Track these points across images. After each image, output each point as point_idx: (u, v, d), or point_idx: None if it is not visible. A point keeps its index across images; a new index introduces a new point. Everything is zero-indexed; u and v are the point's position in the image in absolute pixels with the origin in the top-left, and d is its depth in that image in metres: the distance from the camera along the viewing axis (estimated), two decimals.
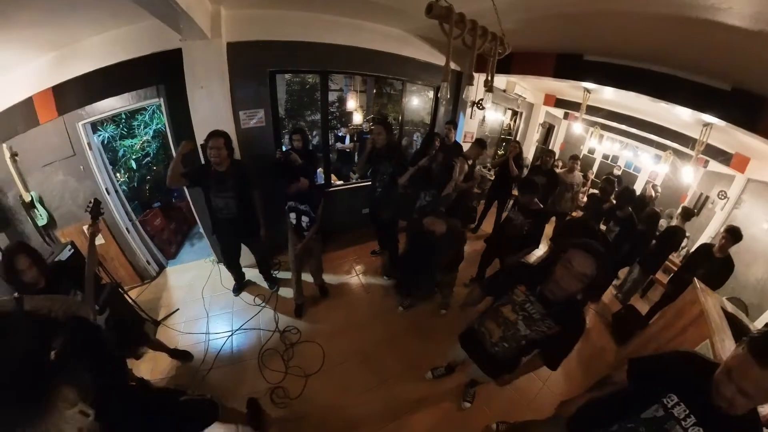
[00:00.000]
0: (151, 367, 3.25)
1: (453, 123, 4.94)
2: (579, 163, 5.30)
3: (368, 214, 4.11)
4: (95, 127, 4.02)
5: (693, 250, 4.40)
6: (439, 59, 4.90)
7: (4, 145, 3.61)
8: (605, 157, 8.02)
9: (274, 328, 3.62)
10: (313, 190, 3.40)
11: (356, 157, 6.37)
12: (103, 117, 3.86)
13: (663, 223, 5.30)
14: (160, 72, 3.49)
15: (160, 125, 4.74)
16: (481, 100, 2.46)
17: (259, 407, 2.74)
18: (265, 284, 4.24)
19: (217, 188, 3.21)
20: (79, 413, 1.20)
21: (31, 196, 3.78)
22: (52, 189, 3.90)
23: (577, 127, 7.11)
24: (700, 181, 6.16)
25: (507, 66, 4.70)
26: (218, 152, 3.01)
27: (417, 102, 6.31)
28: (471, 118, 5.45)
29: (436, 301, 3.99)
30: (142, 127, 4.80)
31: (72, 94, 3.53)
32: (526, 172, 5.95)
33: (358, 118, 6.54)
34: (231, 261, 3.93)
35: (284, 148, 4.36)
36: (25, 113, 3.60)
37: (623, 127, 6.40)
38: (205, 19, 3.03)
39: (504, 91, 6.61)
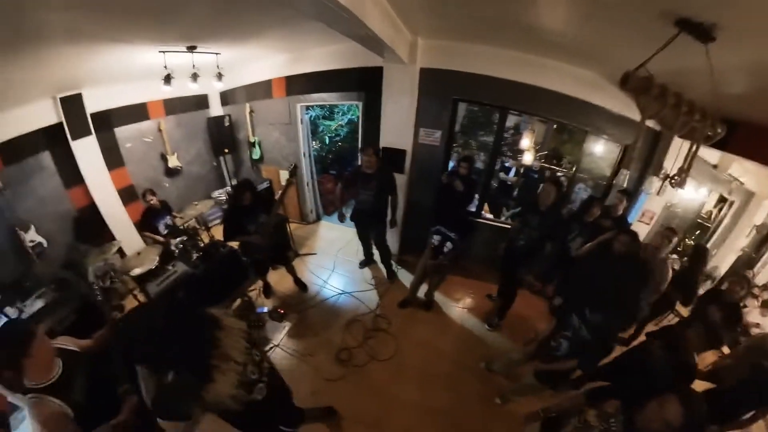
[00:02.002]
0: (277, 280, 4.52)
1: (627, 193, 4.02)
2: None
3: (502, 257, 3.81)
4: (307, 107, 5.48)
5: None
6: (635, 113, 3.97)
7: (247, 104, 5.64)
8: None
9: (373, 309, 4.16)
10: (467, 223, 3.68)
11: (515, 192, 6.23)
12: (314, 103, 5.37)
13: None
14: (363, 82, 4.46)
15: (353, 117, 6.06)
16: (677, 177, 2.09)
17: None
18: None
19: (362, 185, 3.96)
20: None
21: (254, 139, 5.79)
22: (269, 139, 5.75)
23: None
24: None
25: (724, 137, 3.70)
26: (369, 159, 3.78)
27: (600, 151, 5.45)
28: (658, 194, 4.27)
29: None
30: (340, 114, 6.30)
31: (297, 84, 5.08)
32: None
33: (528, 157, 5.92)
34: (362, 241, 4.72)
35: (451, 165, 4.74)
36: (264, 88, 5.42)
37: None
38: (404, 48, 3.66)
39: (714, 166, 5.08)
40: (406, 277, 4.66)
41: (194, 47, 3.86)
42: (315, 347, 3.66)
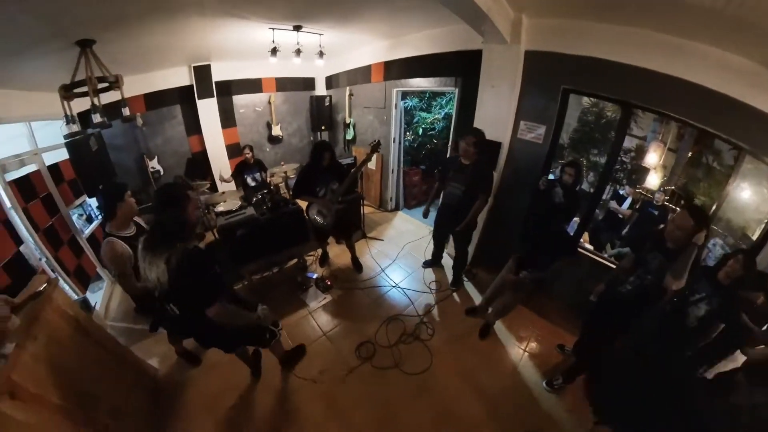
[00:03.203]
0: (337, 253, 4.62)
1: None
2: None
3: (595, 303, 2.85)
4: (405, 95, 5.45)
5: None
6: None
7: (348, 88, 6.11)
8: None
9: (420, 315, 3.70)
10: (564, 242, 2.96)
11: (625, 230, 5.01)
12: (412, 90, 5.30)
13: None
14: (460, 67, 4.16)
15: (451, 111, 5.70)
16: None
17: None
18: (449, 279, 4.30)
19: (453, 176, 3.53)
20: None
21: (350, 121, 6.22)
22: (363, 122, 6.14)
23: None
24: None
25: None
26: (467, 148, 3.31)
27: (748, 194, 3.65)
28: None
29: None
30: (438, 107, 6.08)
31: (395, 69, 5.17)
32: None
33: (653, 180, 4.79)
34: (436, 239, 4.33)
35: (551, 177, 4.05)
36: (364, 73, 5.75)
37: None
38: (506, 25, 3.24)
39: None
40: (471, 291, 4.12)
41: (300, 27, 4.11)
42: (344, 329, 3.48)
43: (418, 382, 2.97)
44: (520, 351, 3.38)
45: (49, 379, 1.81)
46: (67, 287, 3.40)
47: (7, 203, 3.03)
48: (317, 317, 3.60)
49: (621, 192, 5.19)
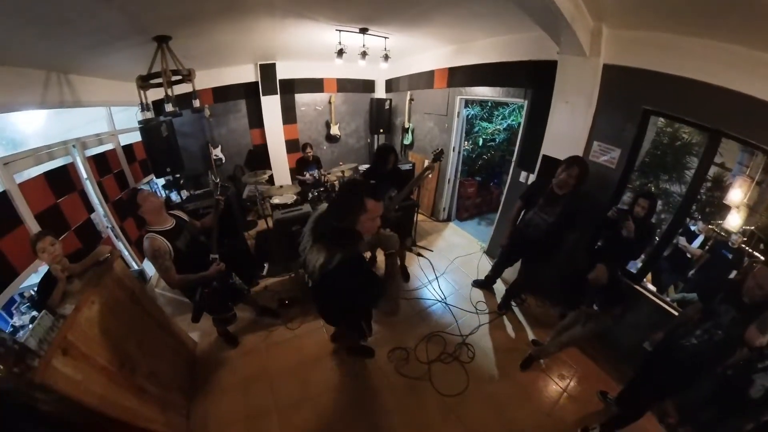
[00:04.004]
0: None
1: None
2: None
3: (649, 353, 2.58)
4: (467, 102, 5.25)
5: None
6: None
7: (409, 92, 6.03)
8: None
9: (464, 335, 3.50)
10: (615, 288, 2.78)
11: (692, 272, 4.34)
12: (474, 98, 5.10)
13: None
14: (531, 78, 3.87)
15: (513, 123, 5.54)
16: None
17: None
18: (497, 301, 4.03)
19: (540, 206, 3.22)
20: None
21: (409, 126, 6.18)
22: (422, 128, 6.05)
23: None
24: None
25: None
26: (568, 178, 2.99)
27: None
28: None
29: None
30: (500, 118, 5.80)
31: (460, 76, 4.99)
32: None
33: (734, 220, 4.03)
34: (498, 265, 4.03)
35: (620, 207, 3.75)
36: (426, 78, 5.65)
37: None
38: (585, 36, 2.99)
39: None
40: (519, 317, 3.85)
41: (366, 29, 4.09)
42: (384, 337, 3.37)
43: (451, 404, 2.85)
44: (559, 390, 3.11)
45: (98, 341, 1.94)
46: (127, 254, 3.77)
47: (84, 175, 3.33)
48: None
49: (692, 228, 4.56)
